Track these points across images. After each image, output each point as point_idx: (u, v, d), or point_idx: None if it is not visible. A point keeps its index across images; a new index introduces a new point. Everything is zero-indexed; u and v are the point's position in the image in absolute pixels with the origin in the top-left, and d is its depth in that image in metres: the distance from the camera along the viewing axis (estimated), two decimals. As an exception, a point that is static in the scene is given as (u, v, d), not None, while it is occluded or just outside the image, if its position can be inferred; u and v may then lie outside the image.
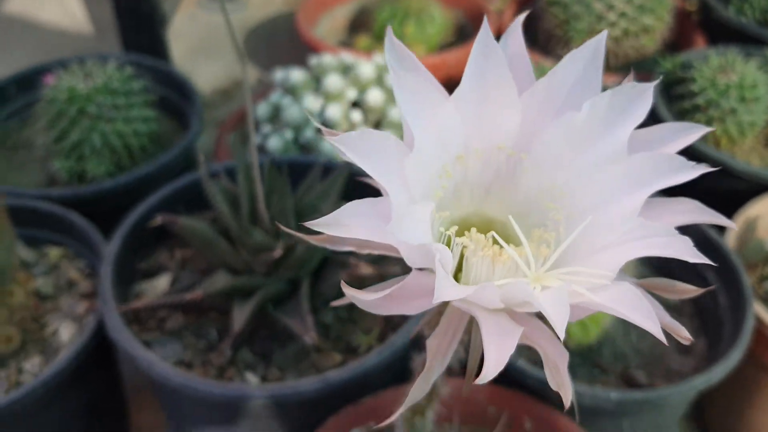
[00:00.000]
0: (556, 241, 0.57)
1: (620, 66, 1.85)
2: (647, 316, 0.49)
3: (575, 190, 0.59)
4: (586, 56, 0.57)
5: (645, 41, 1.80)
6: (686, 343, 0.51)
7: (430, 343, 0.59)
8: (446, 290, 0.48)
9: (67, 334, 1.21)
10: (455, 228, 0.57)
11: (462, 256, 0.57)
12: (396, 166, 0.54)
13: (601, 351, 1.27)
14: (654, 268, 1.40)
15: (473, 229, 0.57)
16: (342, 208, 0.51)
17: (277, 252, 1.09)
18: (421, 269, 0.55)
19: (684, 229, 1.32)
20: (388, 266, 1.26)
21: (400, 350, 1.10)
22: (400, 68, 0.55)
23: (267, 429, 1.13)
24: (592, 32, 1.76)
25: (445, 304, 0.61)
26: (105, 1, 2.54)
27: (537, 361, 1.25)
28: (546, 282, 0.54)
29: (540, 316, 0.57)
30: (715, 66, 1.54)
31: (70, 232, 1.33)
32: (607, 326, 1.30)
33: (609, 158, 0.57)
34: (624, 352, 1.27)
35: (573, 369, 1.24)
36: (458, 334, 0.60)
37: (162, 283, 1.27)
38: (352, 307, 1.24)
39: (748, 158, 1.59)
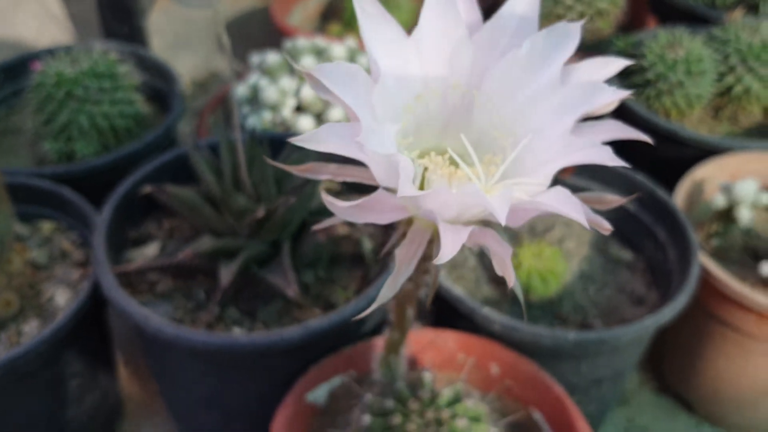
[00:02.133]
0: (504, 162, 0.67)
1: (577, 47, 1.96)
2: (576, 209, 0.59)
3: (519, 119, 0.68)
4: (525, 1, 0.67)
5: (600, 24, 1.92)
6: (606, 233, 0.61)
7: (399, 252, 0.68)
8: (408, 190, 0.58)
9: (62, 299, 1.28)
10: (417, 152, 0.67)
11: (423, 178, 0.67)
12: (364, 95, 0.63)
13: (561, 304, 1.37)
14: (613, 231, 1.50)
15: (432, 153, 0.67)
16: (320, 127, 0.60)
17: (260, 212, 1.18)
18: (388, 189, 0.64)
19: (634, 189, 1.45)
20: (361, 228, 1.35)
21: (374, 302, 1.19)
22: (366, 10, 0.65)
23: (253, 379, 1.22)
24: (550, 15, 1.88)
25: (410, 222, 0.71)
26: (84, -2, 2.62)
27: (501, 307, 1.35)
28: (494, 192, 0.63)
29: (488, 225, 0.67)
30: (664, 42, 1.65)
31: (61, 207, 1.41)
32: (567, 281, 1.40)
33: (546, 88, 0.66)
34: (582, 305, 1.38)
35: (535, 320, 1.34)
36: (422, 246, 0.69)
37: (151, 250, 1.35)
38: (330, 266, 1.34)
39: (696, 129, 1.70)
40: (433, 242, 0.74)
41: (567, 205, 0.59)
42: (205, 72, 2.41)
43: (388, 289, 0.68)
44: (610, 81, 0.61)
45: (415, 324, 1.00)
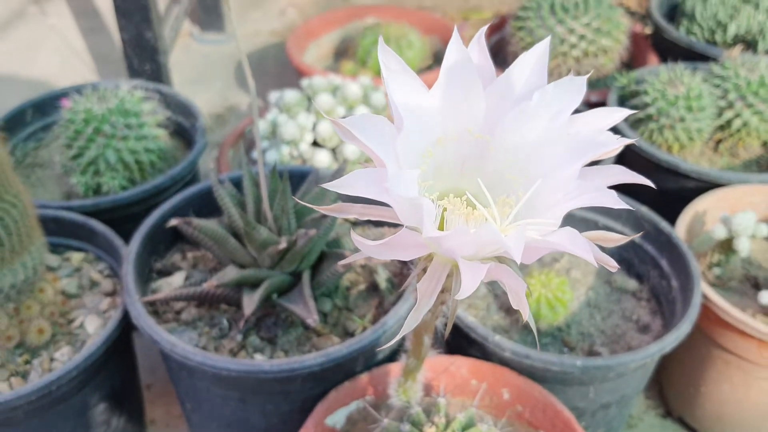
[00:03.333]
0: (517, 203, 0.73)
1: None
2: (585, 249, 0.65)
3: (530, 164, 0.75)
4: (535, 56, 0.74)
5: (604, 61, 1.99)
6: (613, 270, 0.67)
7: (420, 286, 0.74)
8: (431, 231, 0.64)
9: (92, 327, 1.35)
10: (437, 194, 0.73)
11: (443, 218, 0.73)
12: (389, 143, 0.69)
13: (569, 331, 1.43)
14: (618, 261, 1.56)
15: (451, 195, 0.73)
16: (349, 174, 0.67)
17: (282, 244, 1.24)
18: (411, 229, 0.71)
19: (641, 224, 1.52)
20: (375, 258, 1.41)
21: (391, 330, 1.25)
22: (390, 67, 0.72)
23: (274, 403, 1.28)
24: (555, 53, 1.95)
25: (430, 258, 0.77)
26: (104, 33, 2.71)
27: (510, 334, 1.40)
28: (508, 232, 0.70)
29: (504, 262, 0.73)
30: (665, 79, 1.72)
31: (90, 239, 1.48)
32: (574, 309, 1.46)
33: (554, 136, 0.73)
34: (589, 332, 1.43)
35: (544, 346, 1.40)
36: (441, 280, 0.75)
37: (176, 280, 1.41)
38: (348, 295, 1.40)
39: (698, 161, 1.77)
40: (451, 276, 0.80)
41: (576, 244, 0.65)
42: (221, 106, 2.49)
43: (410, 322, 0.73)
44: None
45: (431, 351, 1.06)
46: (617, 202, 0.67)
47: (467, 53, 0.72)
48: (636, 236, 0.75)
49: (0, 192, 1.20)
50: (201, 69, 2.69)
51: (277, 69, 2.62)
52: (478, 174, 0.79)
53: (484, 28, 0.76)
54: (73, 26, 2.88)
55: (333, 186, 0.67)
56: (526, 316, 0.67)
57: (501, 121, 0.76)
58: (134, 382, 1.49)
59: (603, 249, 1.39)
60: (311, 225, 1.32)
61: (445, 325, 0.90)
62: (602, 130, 0.73)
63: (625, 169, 0.73)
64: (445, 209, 0.73)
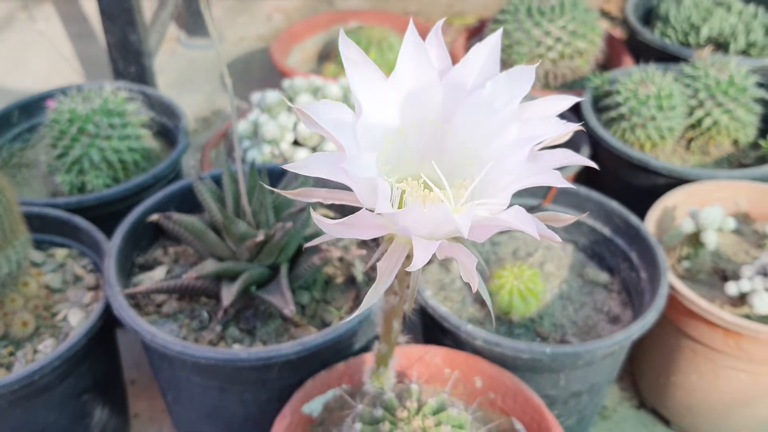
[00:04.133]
0: (470, 187, 0.77)
1: (558, 85, 2.09)
2: (530, 224, 0.69)
3: (484, 149, 0.79)
4: (488, 48, 0.78)
5: (579, 63, 2.04)
6: (558, 244, 0.71)
7: (380, 265, 0.78)
8: (385, 208, 0.68)
9: (75, 320, 1.38)
10: (396, 177, 0.77)
11: (401, 201, 0.77)
12: (349, 129, 0.73)
13: (542, 322, 1.47)
14: (591, 255, 1.60)
15: (410, 179, 0.77)
16: (309, 156, 0.71)
17: (260, 237, 1.28)
18: (370, 210, 0.75)
19: (612, 219, 1.57)
20: (354, 252, 1.45)
21: (366, 320, 1.29)
22: (351, 58, 0.76)
23: (253, 392, 1.31)
24: (532, 55, 2.00)
25: (390, 240, 0.81)
26: (91, 39, 2.75)
27: (484, 326, 1.44)
28: (461, 212, 0.74)
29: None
30: (637, 79, 1.77)
31: (74, 235, 1.51)
32: (547, 301, 1.50)
33: (506, 122, 0.77)
34: (562, 324, 1.47)
35: (517, 337, 1.44)
36: (401, 260, 0.79)
37: (158, 274, 1.45)
38: (325, 288, 1.44)
39: (670, 160, 1.81)
40: (411, 258, 0.84)
41: (522, 221, 0.69)
42: (207, 109, 2.53)
43: (371, 296, 0.77)
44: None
45: (405, 341, 1.09)
46: (561, 181, 0.71)
47: (423, 44, 0.77)
48: (583, 216, 0.78)
49: (-16, 187, 1.24)
50: (187, 73, 2.73)
51: (263, 73, 2.66)
52: (437, 161, 0.82)
53: (440, 22, 0.80)
54: (61, 31, 2.92)
55: (295, 167, 0.71)
56: (476, 287, 0.71)
57: (457, 109, 0.80)
58: (117, 375, 1.52)
59: (577, 244, 1.43)
60: (288, 219, 1.35)
61: (412, 312, 0.94)
62: (551, 116, 0.77)
63: (571, 152, 0.76)
64: (403, 192, 0.77)
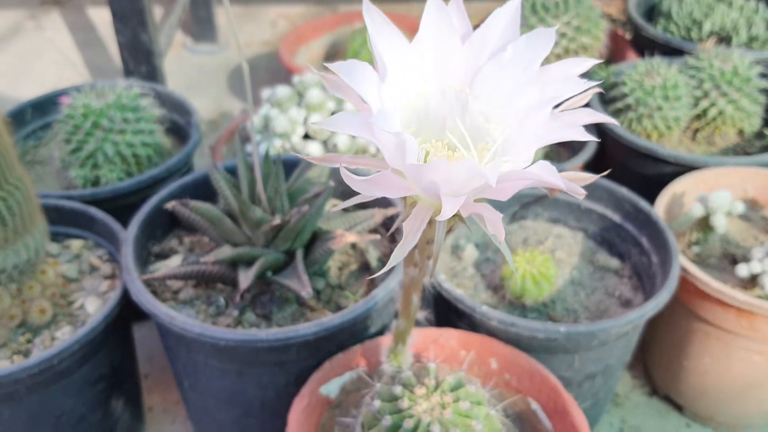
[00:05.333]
0: (494, 146, 0.79)
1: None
2: (556, 176, 0.70)
3: (506, 111, 0.80)
4: (508, 13, 0.80)
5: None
6: (579, 197, 0.72)
7: (406, 225, 0.79)
8: (413, 160, 0.69)
9: (92, 308, 1.39)
10: (420, 140, 0.79)
11: (426, 162, 0.79)
12: (374, 88, 0.75)
13: (554, 307, 1.48)
14: (600, 242, 1.62)
15: (433, 140, 0.79)
16: (337, 114, 0.72)
17: (276, 221, 1.29)
18: (396, 172, 0.76)
19: (622, 204, 1.58)
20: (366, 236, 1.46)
21: (382, 301, 1.30)
22: (375, 21, 0.77)
23: (271, 375, 1.32)
24: (538, 50, 2.02)
25: (413, 204, 0.82)
26: (99, 46, 2.78)
27: (497, 308, 1.46)
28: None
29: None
30: (642, 71, 1.79)
31: (89, 227, 1.52)
32: (559, 287, 1.51)
33: (528, 83, 0.78)
34: (574, 308, 1.48)
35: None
36: (425, 221, 0.81)
37: (173, 263, 1.46)
38: (339, 275, 1.45)
39: (676, 150, 1.83)
40: (433, 224, 0.86)
41: (548, 173, 0.71)
42: (215, 112, 2.56)
43: (397, 254, 0.78)
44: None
45: (423, 316, 1.11)
46: (584, 134, 0.73)
47: (446, 8, 0.79)
48: (602, 175, 0.80)
49: (5, 174, 1.25)
50: (194, 78, 2.76)
51: (268, 76, 2.68)
52: (459, 126, 0.84)
53: (461, -12, 0.82)
54: (69, 39, 2.95)
55: (323, 124, 0.72)
56: (502, 239, 0.73)
57: (478, 73, 0.81)
58: (133, 366, 1.53)
59: (587, 232, 1.43)
60: (303, 205, 1.37)
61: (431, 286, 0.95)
62: (571, 77, 0.79)
63: (591, 111, 0.78)
64: (427, 153, 0.79)
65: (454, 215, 0.87)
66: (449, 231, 0.90)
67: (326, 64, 0.74)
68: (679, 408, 1.65)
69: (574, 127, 0.74)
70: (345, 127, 0.73)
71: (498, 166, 0.70)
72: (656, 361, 1.66)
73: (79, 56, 2.84)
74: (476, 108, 0.83)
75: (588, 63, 0.80)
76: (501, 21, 0.81)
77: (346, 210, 1.60)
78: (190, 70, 2.81)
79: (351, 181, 0.74)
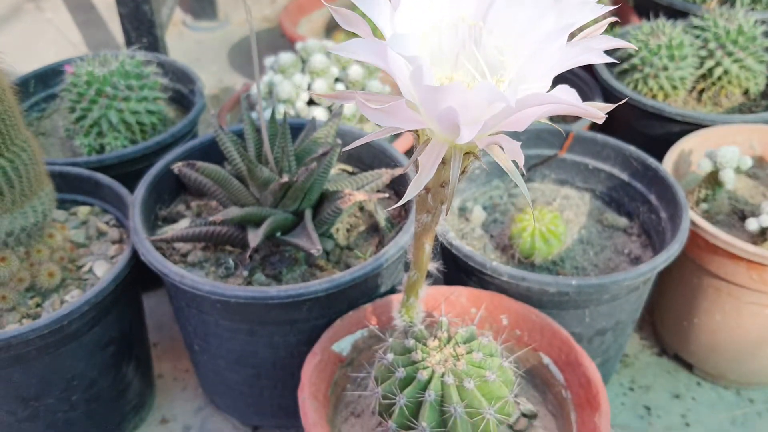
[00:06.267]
0: (510, 74, 0.78)
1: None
2: (576, 98, 0.70)
3: (521, 42, 0.80)
4: (520, -58, 0.79)
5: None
6: (599, 120, 0.72)
7: (422, 159, 0.79)
8: (430, 80, 0.69)
9: (101, 271, 1.38)
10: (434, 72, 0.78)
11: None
12: (388, 16, 0.74)
13: (563, 265, 1.48)
14: (608, 202, 1.62)
15: (446, 76, 0.78)
16: (351, 40, 0.72)
17: (284, 179, 1.29)
18: (410, 106, 0.76)
19: (630, 163, 1.57)
20: (374, 197, 1.46)
21: (393, 258, 1.29)
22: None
23: (282, 335, 1.31)
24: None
25: (427, 142, 0.81)
26: (99, 26, 2.77)
27: (507, 262, 1.45)
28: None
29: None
30: (647, 31, 1.78)
31: (96, 193, 1.52)
32: (568, 245, 1.51)
33: (542, 12, 0.78)
34: (583, 266, 1.48)
35: (541, 278, 1.44)
36: (440, 156, 0.80)
37: (181, 226, 1.45)
38: (348, 236, 1.44)
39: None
40: (447, 164, 0.85)
41: (568, 94, 0.70)
42: (216, 87, 2.55)
43: (413, 188, 0.78)
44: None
45: (436, 267, 1.10)
46: (602, 56, 0.73)
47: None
48: (613, 107, 0.79)
49: (12, 136, 1.24)
50: (195, 54, 2.75)
51: (269, 52, 2.66)
52: (474, 61, 0.84)
53: None
54: (69, 20, 2.93)
55: (336, 49, 0.72)
56: (521, 162, 0.72)
57: (492, 5, 0.81)
58: (142, 332, 1.53)
59: (595, 192, 1.43)
60: (311, 164, 1.36)
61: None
62: (587, 2, 0.78)
63: (607, 36, 0.78)
64: (442, 84, 0.78)
65: (469, 153, 0.87)
66: (464, 171, 0.89)
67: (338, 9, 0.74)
68: (689, 367, 1.65)
69: (593, 52, 0.74)
70: (358, 53, 0.73)
71: (515, 87, 0.70)
72: (666, 320, 1.66)
73: (78, 36, 2.82)
74: (490, 42, 0.82)
75: (599, -7, 0.79)
76: (513, -49, 0.80)
77: (352, 173, 1.59)
78: (190, 47, 2.80)
79: (366, 110, 0.74)
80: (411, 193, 0.79)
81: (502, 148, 0.77)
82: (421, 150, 0.82)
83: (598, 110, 0.74)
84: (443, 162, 0.86)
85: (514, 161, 0.75)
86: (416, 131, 0.85)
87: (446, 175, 0.91)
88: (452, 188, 0.88)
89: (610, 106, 0.79)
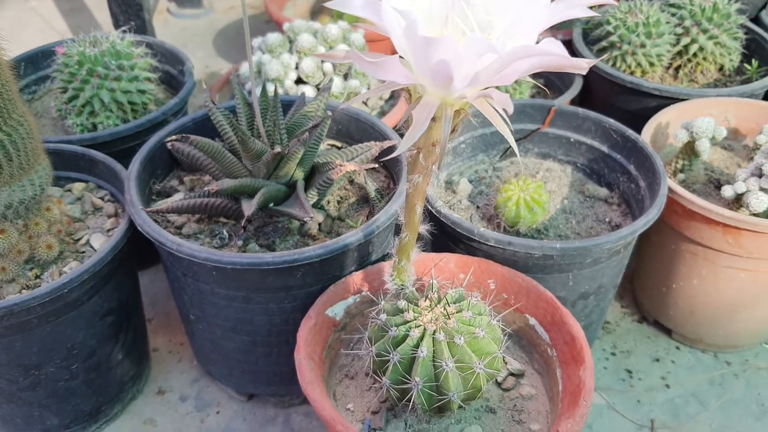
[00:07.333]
0: (500, 30, 0.83)
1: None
2: (561, 49, 0.74)
3: (506, 3, 0.84)
4: None
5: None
6: (583, 71, 0.76)
7: (414, 114, 0.83)
8: (424, 31, 0.73)
9: (97, 244, 1.42)
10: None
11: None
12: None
13: (547, 233, 1.53)
14: (589, 173, 1.67)
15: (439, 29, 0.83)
16: (348, -2, 0.76)
17: (276, 149, 1.33)
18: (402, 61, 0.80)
19: (610, 135, 1.62)
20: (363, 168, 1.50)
21: (384, 225, 1.34)
22: None
23: (277, 302, 1.35)
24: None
25: (418, 99, 0.86)
26: (84, 13, 2.78)
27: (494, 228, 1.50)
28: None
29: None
30: (625, 9, 1.84)
31: (90, 169, 1.55)
32: (551, 215, 1.56)
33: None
34: (566, 234, 1.53)
35: (526, 246, 1.49)
36: (432, 112, 0.84)
37: (175, 199, 1.49)
38: (339, 208, 1.49)
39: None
40: (438, 122, 0.90)
41: (554, 46, 0.74)
42: (202, 72, 2.57)
43: (407, 141, 0.82)
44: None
45: (421, 240, 1.14)
46: (586, 11, 0.77)
47: None
48: (596, 61, 0.83)
49: (9, 110, 1.27)
50: (181, 41, 2.78)
51: (255, 37, 2.70)
52: (464, 17, 0.88)
53: None
54: (53, 8, 2.95)
55: (334, 4, 0.76)
56: (511, 111, 0.77)
57: (479, -33, 0.85)
58: (138, 305, 1.56)
59: (576, 164, 1.48)
60: (302, 135, 1.40)
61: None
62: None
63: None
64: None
65: (459, 110, 0.91)
66: (454, 129, 0.93)
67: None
68: (668, 332, 1.71)
69: (577, 7, 0.78)
70: (353, 7, 0.77)
71: (504, 38, 0.74)
72: (645, 287, 1.72)
73: (64, 23, 2.84)
74: (478, 2, 0.86)
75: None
76: None
77: (340, 148, 1.63)
78: (175, 34, 2.83)
79: (361, 62, 0.78)
80: (404, 145, 0.83)
81: (493, 106, 0.82)
82: (414, 106, 0.87)
83: (580, 61, 0.79)
84: (434, 120, 0.90)
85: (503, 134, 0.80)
86: (408, 90, 0.89)
87: (437, 133, 0.95)
88: (443, 145, 0.92)
89: (594, 61, 0.84)
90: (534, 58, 0.77)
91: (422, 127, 0.83)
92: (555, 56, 0.75)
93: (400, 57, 0.80)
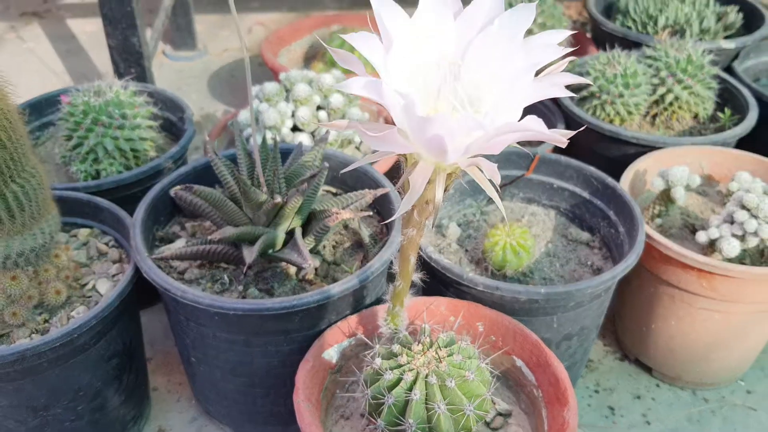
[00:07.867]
0: (487, 106, 0.91)
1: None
2: (543, 127, 0.83)
3: (494, 79, 0.93)
4: (494, -9, 0.92)
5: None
6: (562, 145, 0.85)
7: (411, 179, 0.91)
8: (420, 111, 0.81)
9: (104, 289, 1.48)
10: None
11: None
12: (381, 56, 0.87)
13: (533, 276, 1.61)
14: (572, 218, 1.75)
15: (429, 108, 0.91)
16: (350, 79, 0.84)
17: (277, 199, 1.40)
18: (401, 135, 0.88)
19: (591, 182, 1.72)
20: (358, 215, 1.58)
21: (378, 271, 1.41)
22: (382, 2, 0.89)
23: (276, 345, 1.42)
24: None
25: (414, 164, 0.94)
26: (81, 55, 2.86)
27: (482, 273, 1.57)
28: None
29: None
30: (604, 61, 1.94)
31: (95, 216, 1.61)
32: (536, 258, 1.64)
33: (513, 52, 0.91)
34: (551, 277, 1.61)
35: (512, 289, 1.57)
36: (427, 176, 0.92)
37: (178, 245, 1.55)
38: (335, 253, 1.56)
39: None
40: (432, 183, 0.98)
41: (536, 123, 0.83)
42: (198, 114, 2.65)
43: (405, 204, 0.90)
44: (561, 96, 0.82)
45: (414, 287, 1.22)
46: (563, 90, 0.86)
47: (439, -11, 0.91)
48: (577, 132, 0.92)
49: (22, 163, 1.34)
50: (176, 83, 2.86)
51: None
52: (454, 94, 0.96)
53: (453, -30, 0.94)
54: (50, 49, 3.02)
55: (339, 86, 0.84)
56: (498, 181, 0.85)
57: (469, 46, 0.94)
58: (140, 347, 1.62)
59: (559, 209, 1.57)
60: (301, 185, 1.48)
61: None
62: (551, 44, 0.91)
63: (571, 74, 0.91)
64: (428, 114, 0.90)
65: (451, 173, 0.99)
66: (446, 190, 1.01)
67: (342, 36, 0.86)
68: (648, 370, 1.79)
69: (557, 87, 0.87)
70: (357, 89, 0.85)
71: (492, 116, 0.82)
72: (626, 327, 1.80)
73: (61, 65, 2.91)
74: (468, 77, 0.95)
75: (564, 33, 0.92)
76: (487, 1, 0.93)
77: (335, 194, 1.71)
78: (171, 76, 2.91)
79: (365, 137, 0.86)
80: (404, 207, 0.91)
81: (481, 170, 0.90)
82: (410, 171, 0.95)
83: (561, 136, 0.87)
84: (429, 182, 0.98)
85: (490, 181, 0.88)
86: (405, 155, 0.97)
87: (431, 193, 1.03)
88: (437, 204, 1.00)
89: (572, 133, 0.93)
90: (518, 133, 0.85)
91: (419, 190, 0.91)
92: (536, 132, 0.83)
93: (399, 128, 0.89)
